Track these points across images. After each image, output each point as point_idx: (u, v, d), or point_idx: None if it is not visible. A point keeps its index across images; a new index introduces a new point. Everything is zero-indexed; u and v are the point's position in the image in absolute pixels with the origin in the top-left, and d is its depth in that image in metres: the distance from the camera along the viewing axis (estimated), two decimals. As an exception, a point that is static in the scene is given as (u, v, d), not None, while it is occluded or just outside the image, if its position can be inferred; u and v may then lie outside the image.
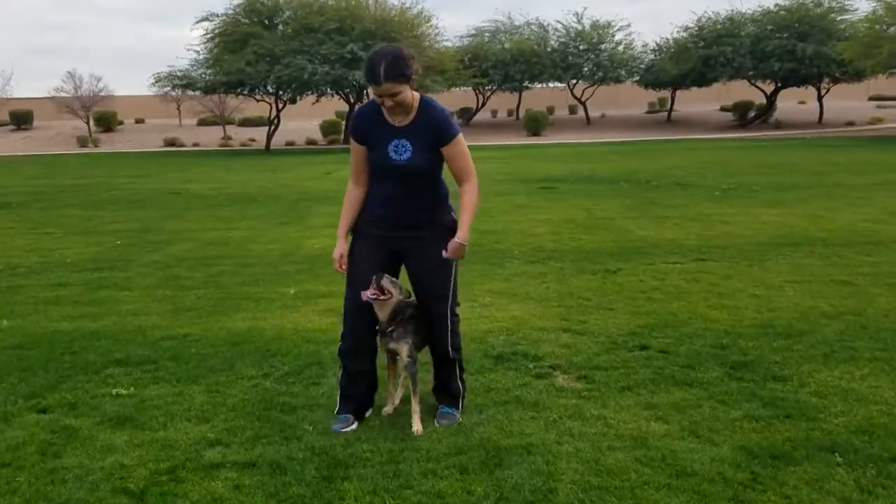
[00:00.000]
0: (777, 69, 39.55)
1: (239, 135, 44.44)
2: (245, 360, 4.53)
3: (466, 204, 3.43)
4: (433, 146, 3.40)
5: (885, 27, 33.41)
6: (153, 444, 3.38)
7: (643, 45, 45.86)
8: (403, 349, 3.51)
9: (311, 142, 40.80)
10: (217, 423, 3.62)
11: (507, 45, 43.85)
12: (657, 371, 4.19)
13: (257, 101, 38.77)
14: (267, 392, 4.01)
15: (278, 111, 37.11)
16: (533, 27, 45.54)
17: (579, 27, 44.29)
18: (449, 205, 3.59)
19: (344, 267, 3.54)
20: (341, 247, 3.56)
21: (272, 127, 36.78)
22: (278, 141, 38.63)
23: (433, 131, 3.39)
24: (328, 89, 36.72)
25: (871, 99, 52.60)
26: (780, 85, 42.56)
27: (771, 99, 43.56)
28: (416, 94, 3.41)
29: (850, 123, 41.57)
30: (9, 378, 4.29)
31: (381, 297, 3.41)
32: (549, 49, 43.84)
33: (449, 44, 41.37)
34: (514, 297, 6.07)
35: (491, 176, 17.54)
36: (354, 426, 3.53)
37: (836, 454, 3.12)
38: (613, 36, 44.30)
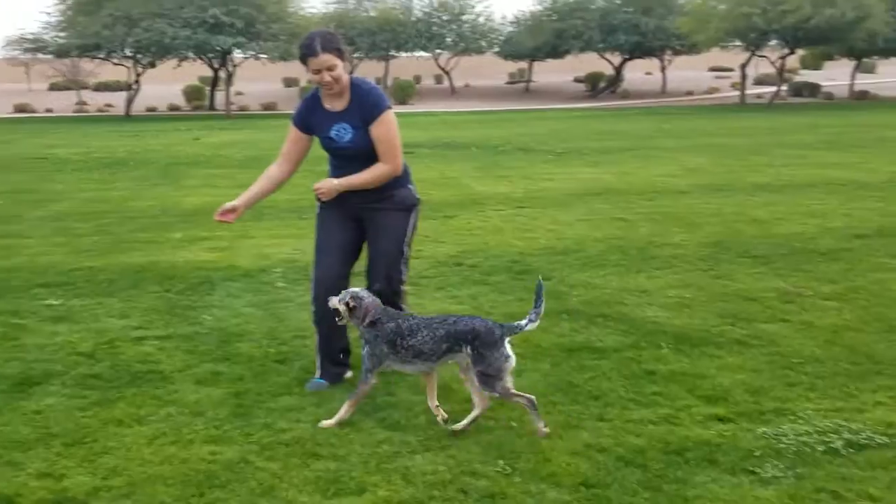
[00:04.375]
0: (623, 42, 42.61)
1: (95, 100, 43.01)
2: (148, 282, 5.73)
3: (368, 170, 3.58)
4: (366, 125, 3.57)
5: (714, 4, 36.91)
6: (89, 331, 4.59)
7: (502, 18, 47.97)
8: None
9: (173, 107, 40.19)
10: (135, 318, 4.85)
11: (372, 14, 44.72)
12: (464, 277, 5.76)
13: (114, 64, 37.83)
14: (171, 300, 5.26)
15: (137, 76, 36.40)
16: (397, -4, 46.58)
17: (441, -2, 45.76)
18: (406, 180, 3.80)
19: (223, 216, 3.64)
20: (236, 202, 3.66)
21: (131, 92, 36.08)
22: (138, 107, 37.90)
23: (366, 110, 3.55)
24: (190, 54, 36.40)
25: (710, 70, 57.33)
26: (627, 57, 45.83)
27: (618, 70, 46.81)
28: (348, 77, 3.57)
29: (690, 93, 45.42)
30: (-50, 298, 5.30)
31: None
32: (413, 18, 45.08)
33: (314, 10, 41.85)
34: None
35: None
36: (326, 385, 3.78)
37: (565, 314, 4.78)
38: (474, 7, 46.12)
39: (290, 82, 49.41)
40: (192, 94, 41.40)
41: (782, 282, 5.56)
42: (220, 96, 38.20)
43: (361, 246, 3.90)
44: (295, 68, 46.24)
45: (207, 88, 40.47)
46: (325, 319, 3.69)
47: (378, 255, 3.79)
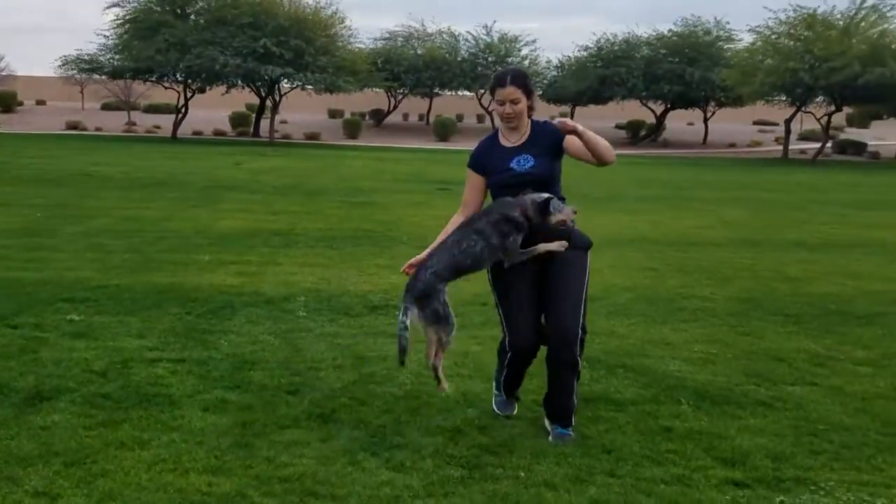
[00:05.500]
0: (667, 91, 42.61)
1: (144, 121, 44.08)
2: (171, 303, 5.74)
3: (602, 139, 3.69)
4: (553, 151, 3.75)
5: (761, 58, 36.74)
6: (106, 349, 4.59)
7: (546, 62, 48.23)
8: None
9: (218, 132, 41.00)
10: (152, 339, 4.85)
11: (419, 51, 45.37)
12: (487, 318, 5.67)
13: (165, 88, 38.83)
14: (190, 322, 5.26)
15: (186, 100, 37.27)
16: (444, 35, 47.27)
17: (488, 39, 46.30)
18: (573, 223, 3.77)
19: (410, 270, 3.76)
20: (423, 255, 3.78)
21: (179, 115, 36.93)
22: (185, 130, 38.76)
23: (548, 136, 3.75)
24: (239, 81, 37.25)
25: (754, 123, 56.95)
26: (669, 106, 45.76)
27: (660, 119, 46.72)
28: (528, 119, 3.82)
29: (732, 145, 45.09)
30: (-23, 307, 5.37)
31: None
32: (459, 59, 45.62)
33: (362, 45, 42.55)
34: (394, 270, 7.40)
35: (396, 176, 18.94)
36: (514, 411, 4.00)
37: (585, 362, 4.65)
38: (520, 50, 46.55)
39: (334, 114, 50.15)
40: (237, 120, 42.22)
41: (813, 343, 5.38)
42: (264, 124, 38.90)
43: None
44: (339, 100, 47.10)
45: (253, 115, 41.26)
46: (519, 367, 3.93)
47: (560, 297, 3.70)
